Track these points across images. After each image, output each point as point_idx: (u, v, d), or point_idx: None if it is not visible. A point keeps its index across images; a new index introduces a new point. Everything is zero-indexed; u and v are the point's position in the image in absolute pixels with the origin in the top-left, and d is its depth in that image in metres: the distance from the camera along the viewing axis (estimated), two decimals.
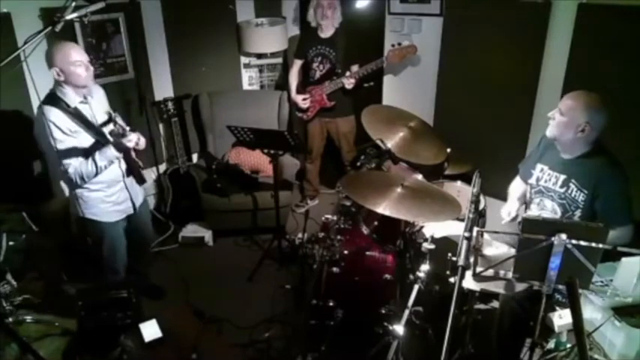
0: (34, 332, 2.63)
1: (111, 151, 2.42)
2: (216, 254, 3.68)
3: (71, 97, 2.40)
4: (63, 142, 2.33)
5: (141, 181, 2.75)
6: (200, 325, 2.70)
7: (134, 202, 2.74)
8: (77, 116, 2.40)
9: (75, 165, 2.37)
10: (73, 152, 2.36)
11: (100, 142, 2.47)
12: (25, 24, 2.93)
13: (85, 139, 2.43)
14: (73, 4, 2.09)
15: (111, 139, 2.47)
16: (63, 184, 2.63)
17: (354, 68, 3.61)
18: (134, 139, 2.42)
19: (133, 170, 2.66)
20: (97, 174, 2.44)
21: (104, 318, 2.48)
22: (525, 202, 2.45)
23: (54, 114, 2.31)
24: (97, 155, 2.40)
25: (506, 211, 2.38)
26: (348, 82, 3.56)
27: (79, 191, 2.52)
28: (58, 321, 2.75)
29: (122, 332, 2.34)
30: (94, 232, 2.66)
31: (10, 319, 2.66)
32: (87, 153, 2.42)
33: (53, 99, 2.36)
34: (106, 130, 2.52)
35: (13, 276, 2.85)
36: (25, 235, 2.94)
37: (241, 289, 3.25)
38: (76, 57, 2.34)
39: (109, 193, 2.59)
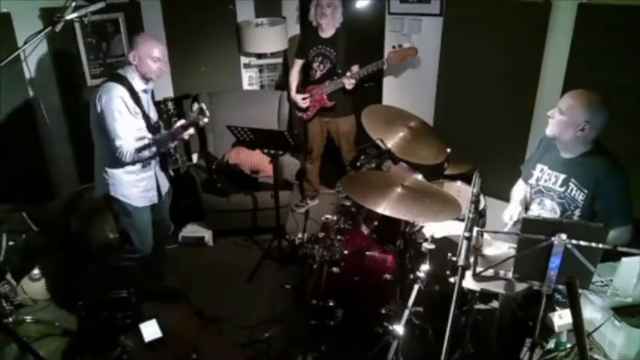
0: (34, 332, 2.63)
1: (169, 139, 2.60)
2: (216, 254, 3.68)
3: (137, 82, 2.54)
4: (123, 117, 2.44)
5: (167, 171, 2.83)
6: (200, 325, 2.71)
7: (160, 190, 2.79)
8: (137, 101, 2.53)
9: (130, 142, 2.47)
10: (131, 131, 2.48)
11: (153, 130, 2.62)
12: (25, 24, 2.93)
13: (141, 124, 2.56)
14: (73, 4, 2.09)
15: (164, 130, 2.65)
16: (97, 159, 2.65)
17: (355, 68, 3.61)
18: (192, 132, 2.61)
19: (167, 160, 2.77)
20: (148, 158, 2.58)
21: (104, 318, 2.49)
22: (526, 203, 2.45)
23: (121, 90, 2.44)
24: (157, 140, 2.56)
25: (508, 214, 2.38)
26: (349, 83, 3.56)
27: (114, 171, 2.58)
28: (58, 321, 2.75)
29: (122, 332, 2.34)
30: (124, 213, 2.70)
31: (10, 319, 2.66)
32: (141, 138, 2.54)
33: (121, 79, 2.48)
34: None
35: (13, 276, 2.85)
36: (25, 235, 2.95)
37: (241, 289, 3.25)
38: (158, 54, 2.53)
39: (140, 178, 2.65)
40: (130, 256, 2.76)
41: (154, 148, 2.56)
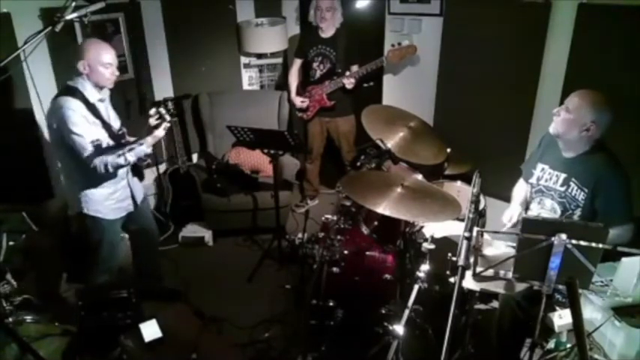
0: (34, 332, 2.63)
1: (144, 148, 2.46)
2: (216, 254, 3.68)
3: (91, 92, 2.43)
4: (82, 130, 2.33)
5: (141, 177, 2.76)
6: (200, 325, 2.70)
7: (135, 199, 2.74)
8: (94, 112, 2.43)
9: (101, 156, 2.37)
10: (95, 144, 2.37)
11: (116, 139, 2.52)
12: (25, 24, 2.93)
13: (102, 135, 2.45)
14: (73, 4, 2.09)
15: (130, 140, 2.52)
16: (65, 178, 2.61)
17: (354, 68, 3.62)
18: (162, 133, 2.47)
19: (139, 167, 2.69)
20: (121, 166, 2.46)
21: (104, 318, 2.48)
22: (526, 203, 2.44)
23: (74, 103, 2.33)
24: (130, 151, 2.44)
25: (508, 216, 2.38)
26: (348, 82, 3.56)
27: (86, 188, 2.51)
28: (58, 321, 2.75)
29: (122, 332, 2.34)
30: (95, 230, 2.64)
31: (10, 319, 2.65)
32: (106, 148, 2.43)
33: (72, 91, 2.38)
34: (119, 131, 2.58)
35: (13, 276, 2.85)
36: (25, 235, 2.94)
37: (241, 289, 3.25)
38: (109, 59, 2.41)
39: (113, 190, 2.59)
40: (100, 276, 2.74)
41: (129, 155, 2.43)
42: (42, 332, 2.64)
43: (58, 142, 2.40)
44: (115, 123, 2.62)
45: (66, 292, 3.00)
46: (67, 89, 2.39)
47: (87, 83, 2.41)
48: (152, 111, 2.41)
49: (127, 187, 2.67)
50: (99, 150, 2.37)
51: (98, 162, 2.37)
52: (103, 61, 2.38)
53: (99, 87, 2.45)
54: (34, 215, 3.02)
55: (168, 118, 2.42)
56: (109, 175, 2.50)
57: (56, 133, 2.37)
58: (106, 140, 2.46)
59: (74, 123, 2.31)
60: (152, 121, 2.43)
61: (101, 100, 2.50)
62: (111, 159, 2.39)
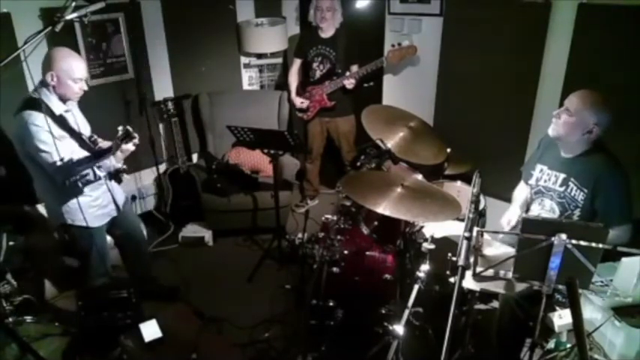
0: (34, 332, 2.63)
1: (113, 162, 2.37)
2: (216, 254, 3.68)
3: (56, 104, 2.31)
4: (49, 146, 2.20)
5: (119, 181, 2.61)
6: (200, 325, 2.70)
7: (117, 202, 2.66)
8: (62, 123, 2.32)
9: (68, 172, 2.25)
10: (63, 159, 2.23)
11: (92, 150, 2.40)
12: (25, 24, 2.93)
13: (72, 146, 2.34)
14: (73, 4, 2.09)
15: (104, 148, 2.40)
16: (42, 192, 2.53)
17: (354, 68, 3.62)
18: (131, 147, 2.30)
19: (117, 172, 2.55)
20: (92, 182, 2.36)
21: (104, 318, 2.48)
22: (527, 205, 2.44)
23: (39, 119, 2.18)
24: (99, 164, 2.33)
25: (507, 219, 2.38)
26: (349, 82, 3.56)
27: (66, 198, 2.41)
28: (58, 321, 2.75)
29: (122, 332, 2.34)
30: (82, 239, 2.56)
31: (10, 319, 2.66)
32: (77, 160, 2.30)
33: (34, 104, 2.21)
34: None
35: (13, 276, 2.85)
36: (24, 235, 2.94)
37: (241, 289, 3.25)
38: (80, 74, 2.28)
39: (95, 197, 2.51)
40: (97, 280, 2.69)
41: (98, 171, 2.34)
42: (42, 332, 2.64)
43: (27, 157, 2.30)
44: (85, 130, 2.51)
45: (65, 293, 3.00)
46: (30, 102, 2.23)
47: (52, 95, 2.28)
48: (120, 128, 2.20)
49: (107, 191, 2.59)
50: (67, 166, 2.24)
51: (66, 179, 2.27)
52: (73, 75, 2.26)
53: (63, 100, 2.33)
54: (34, 215, 3.03)
55: (135, 135, 2.22)
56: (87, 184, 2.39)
57: (22, 148, 2.26)
58: (77, 151, 2.34)
59: (40, 140, 2.19)
60: (120, 135, 2.20)
61: (67, 111, 2.38)
62: (79, 176, 2.28)
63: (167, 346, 2.29)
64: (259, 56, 4.27)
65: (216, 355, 2.42)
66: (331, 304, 2.48)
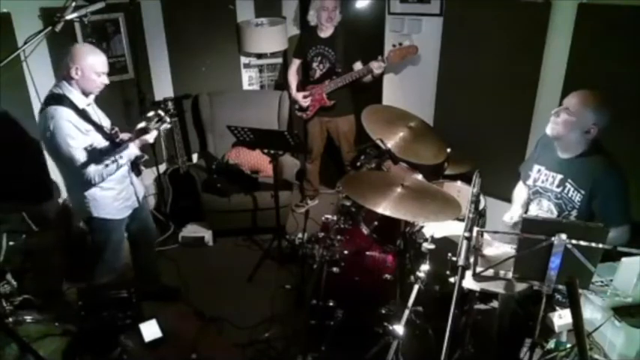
0: (34, 332, 2.63)
1: (133, 150, 2.43)
2: (216, 254, 3.68)
3: (79, 98, 2.38)
4: (77, 141, 2.30)
5: (138, 173, 2.73)
6: (200, 325, 2.71)
7: (138, 195, 2.74)
8: (85, 117, 2.39)
9: (94, 164, 2.33)
10: (91, 152, 2.32)
11: (114, 142, 2.49)
12: (25, 24, 2.93)
13: (97, 139, 2.42)
14: (73, 4, 2.09)
15: (124, 139, 2.49)
16: (68, 186, 2.58)
17: (358, 65, 3.61)
18: (155, 135, 2.41)
19: (138, 165, 2.67)
20: (117, 170, 2.43)
21: (104, 318, 2.48)
22: (526, 205, 2.44)
23: (66, 113, 2.28)
24: (120, 154, 2.39)
25: (509, 216, 2.37)
26: (378, 66, 3.47)
27: (91, 192, 2.47)
28: (58, 321, 2.75)
29: (122, 332, 2.34)
30: (103, 232, 2.63)
31: (10, 319, 2.66)
32: (102, 152, 2.38)
33: (60, 99, 2.31)
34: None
35: (13, 276, 2.85)
36: (25, 235, 2.94)
37: (241, 289, 3.25)
38: (103, 68, 2.37)
39: (119, 190, 2.58)
40: (107, 275, 2.72)
41: (120, 160, 2.40)
42: (42, 332, 2.64)
43: (53, 152, 2.36)
44: (106, 122, 2.58)
45: (68, 289, 3.00)
46: (55, 97, 2.31)
47: (74, 90, 2.35)
48: (150, 113, 2.33)
49: (130, 185, 2.66)
50: (92, 159, 2.32)
51: (92, 173, 2.34)
52: (97, 69, 2.34)
53: (85, 94, 2.40)
54: (34, 215, 3.03)
55: (168, 119, 2.35)
56: (111, 177, 2.47)
57: (50, 144, 2.31)
58: (101, 143, 2.42)
59: (67, 135, 2.26)
60: (141, 125, 2.34)
61: (89, 105, 2.45)
62: (103, 168, 2.35)
63: (167, 346, 2.29)
64: (259, 56, 4.27)
65: (216, 355, 2.43)
66: (331, 304, 2.48)
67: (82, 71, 2.31)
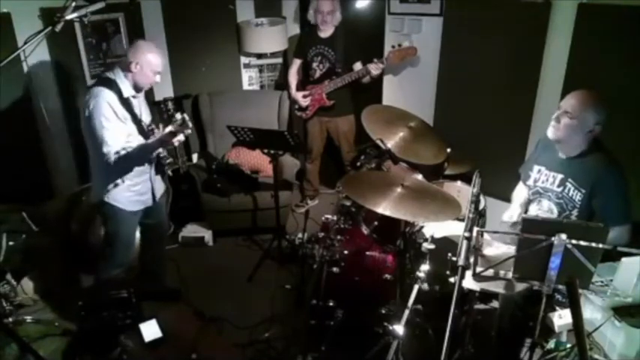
0: (34, 332, 2.63)
1: (158, 146, 2.49)
2: (216, 254, 3.68)
3: (127, 87, 2.46)
4: (111, 123, 2.36)
5: (163, 174, 2.79)
6: (200, 325, 2.70)
7: (155, 194, 2.74)
8: (127, 106, 2.46)
9: (117, 149, 2.37)
10: (119, 137, 2.39)
11: (145, 135, 2.54)
12: (25, 24, 2.93)
13: (133, 130, 2.48)
14: (73, 4, 2.09)
15: (157, 135, 2.54)
16: (92, 167, 2.60)
17: (358, 65, 3.61)
18: (182, 138, 2.42)
19: (164, 165, 2.72)
20: (138, 163, 2.50)
21: (104, 318, 2.49)
22: (526, 205, 2.44)
23: (109, 95, 2.36)
24: (144, 146, 2.46)
25: (508, 214, 2.37)
26: (375, 67, 3.48)
27: (111, 176, 2.51)
28: (58, 321, 2.75)
29: (122, 332, 2.34)
30: (113, 221, 2.64)
31: (10, 319, 2.66)
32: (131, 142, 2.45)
33: (109, 82, 2.40)
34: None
35: (13, 276, 2.85)
36: (25, 235, 2.95)
37: (241, 289, 3.25)
38: (160, 68, 2.48)
39: (134, 183, 2.59)
40: (113, 269, 2.73)
41: (142, 154, 2.47)
42: (42, 332, 2.64)
43: (88, 129, 2.40)
44: (146, 119, 2.64)
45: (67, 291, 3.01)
46: (106, 81, 2.41)
47: (126, 80, 2.45)
48: (178, 116, 2.34)
49: (148, 181, 2.67)
50: (118, 147, 2.37)
51: (112, 157, 2.37)
52: (155, 68, 2.45)
53: (136, 88, 2.49)
54: (34, 215, 3.03)
55: (190, 125, 2.36)
56: (130, 169, 2.52)
57: (87, 121, 2.37)
58: (134, 135, 2.49)
59: (103, 115, 2.33)
60: (176, 126, 2.35)
61: (135, 97, 2.52)
62: (126, 156, 2.39)
63: (167, 346, 2.29)
64: (259, 56, 4.27)
65: (216, 355, 2.43)
66: (331, 304, 2.48)
67: (141, 67, 2.41)
